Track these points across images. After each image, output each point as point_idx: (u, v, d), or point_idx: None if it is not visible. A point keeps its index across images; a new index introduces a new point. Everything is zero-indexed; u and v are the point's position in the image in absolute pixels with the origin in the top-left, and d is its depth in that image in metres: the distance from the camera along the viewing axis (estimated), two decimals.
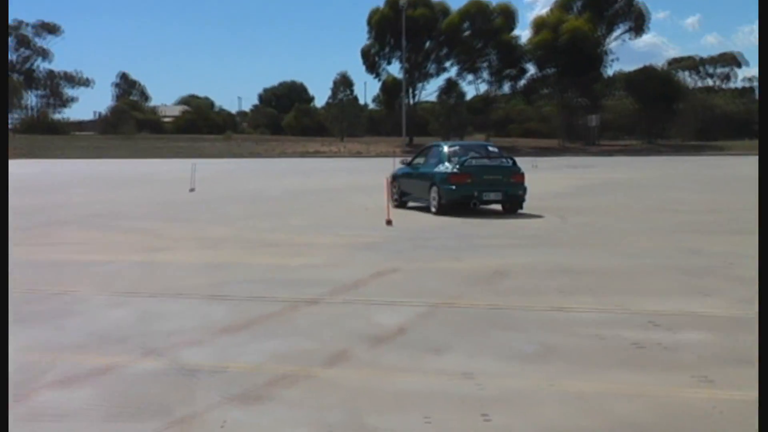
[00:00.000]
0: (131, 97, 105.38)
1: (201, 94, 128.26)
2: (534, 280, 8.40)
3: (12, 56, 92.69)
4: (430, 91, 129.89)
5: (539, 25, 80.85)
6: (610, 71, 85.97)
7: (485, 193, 16.14)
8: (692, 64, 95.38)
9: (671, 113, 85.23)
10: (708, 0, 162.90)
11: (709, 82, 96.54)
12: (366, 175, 34.15)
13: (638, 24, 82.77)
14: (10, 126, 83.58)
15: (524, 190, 16.53)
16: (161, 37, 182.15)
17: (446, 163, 16.64)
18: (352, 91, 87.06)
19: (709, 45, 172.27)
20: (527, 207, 16.68)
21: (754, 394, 4.32)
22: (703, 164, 46.24)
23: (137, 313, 6.99)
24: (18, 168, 41.79)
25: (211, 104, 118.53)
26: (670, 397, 4.63)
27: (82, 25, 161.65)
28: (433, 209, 16.38)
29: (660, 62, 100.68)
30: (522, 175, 16.56)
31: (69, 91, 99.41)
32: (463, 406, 4.49)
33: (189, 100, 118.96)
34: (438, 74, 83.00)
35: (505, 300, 7.38)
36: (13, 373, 5.00)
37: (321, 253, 10.68)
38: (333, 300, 7.48)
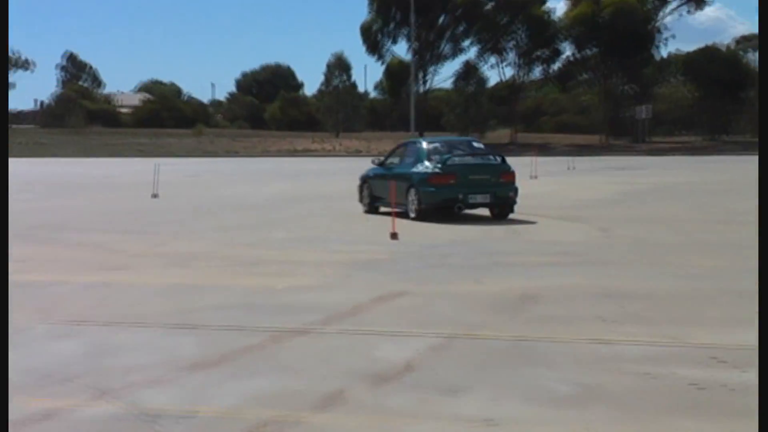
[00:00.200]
0: (80, 83, 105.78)
1: (166, 79, 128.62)
2: (570, 306, 8.40)
3: None
4: (444, 76, 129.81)
5: None
6: (663, 52, 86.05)
7: (471, 195, 16.79)
8: None
9: (739, 103, 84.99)
10: None
11: None
12: None
13: None
14: None
15: (515, 191, 17.23)
16: (117, 10, 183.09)
17: (426, 162, 17.30)
18: (349, 76, 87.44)
19: None
20: (562, 216, 16.67)
21: None
22: None
23: (88, 346, 6.99)
24: None
25: (178, 92, 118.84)
26: None
27: None
28: (412, 214, 17.02)
29: (725, 41, 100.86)
30: (512, 174, 17.23)
31: None
32: None
33: (151, 87, 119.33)
34: (454, 56, 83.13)
35: (535, 330, 7.38)
36: None
37: (312, 272, 10.68)
38: (326, 330, 7.49)
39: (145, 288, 9.74)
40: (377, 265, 11.22)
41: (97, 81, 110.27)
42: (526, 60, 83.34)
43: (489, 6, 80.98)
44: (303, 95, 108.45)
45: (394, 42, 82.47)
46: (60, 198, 25.02)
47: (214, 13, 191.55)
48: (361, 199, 19.36)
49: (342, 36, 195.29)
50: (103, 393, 5.68)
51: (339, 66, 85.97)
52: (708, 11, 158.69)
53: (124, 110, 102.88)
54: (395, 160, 18.93)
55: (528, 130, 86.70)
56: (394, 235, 14.03)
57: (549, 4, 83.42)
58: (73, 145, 73.16)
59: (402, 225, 14.92)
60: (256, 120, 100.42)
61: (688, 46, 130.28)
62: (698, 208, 20.23)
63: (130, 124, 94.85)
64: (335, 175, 37.85)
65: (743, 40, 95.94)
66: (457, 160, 17.15)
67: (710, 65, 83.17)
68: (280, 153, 67.99)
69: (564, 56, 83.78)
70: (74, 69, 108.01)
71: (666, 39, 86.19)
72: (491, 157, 17.84)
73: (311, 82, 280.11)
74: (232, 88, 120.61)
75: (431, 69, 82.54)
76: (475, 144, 18.97)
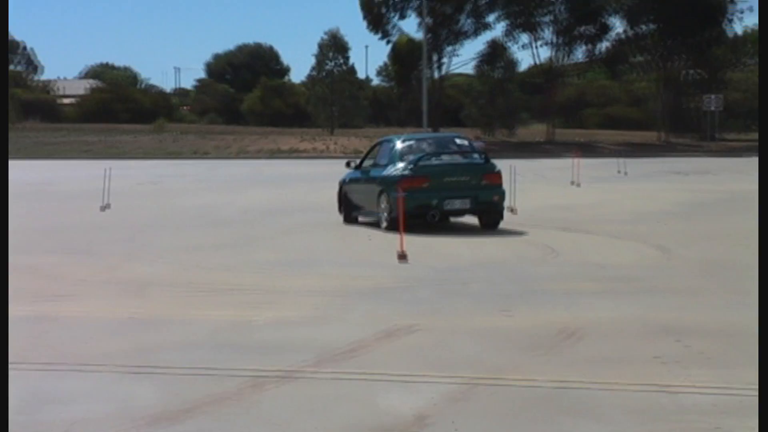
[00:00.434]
0: (13, 67, 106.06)
1: (118, 62, 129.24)
2: (622, 344, 8.39)
3: None
4: (464, 59, 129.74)
5: None
6: (738, 28, 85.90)
7: (448, 200, 17.48)
8: None
9: None
10: None
11: None
12: None
13: None
14: None
15: (501, 194, 17.88)
16: None
17: (398, 164, 18.09)
18: (346, 59, 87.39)
19: None
20: (610, 232, 16.63)
21: None
22: None
23: (22, 394, 6.99)
24: None
25: (134, 78, 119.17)
26: None
27: None
28: (384, 224, 17.77)
29: None
30: (497, 175, 17.90)
31: None
32: None
33: (100, 72, 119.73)
34: (476, 34, 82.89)
35: (578, 374, 7.38)
36: None
37: (301, 302, 10.68)
38: (318, 374, 7.49)
39: (92, 322, 9.73)
40: (381, 293, 11.22)
41: (33, 65, 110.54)
42: (566, 38, 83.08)
43: None
44: (289, 82, 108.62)
45: (402, 16, 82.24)
46: None
47: None
48: (339, 209, 20.17)
49: (337, 9, 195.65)
50: None
51: (333, 46, 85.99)
52: None
53: (66, 101, 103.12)
54: (370, 162, 19.75)
55: (568, 125, 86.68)
56: (402, 256, 14.03)
57: None
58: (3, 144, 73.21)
59: (412, 243, 14.91)
60: (231, 113, 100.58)
61: None
62: None
63: (74, 118, 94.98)
64: (328, 180, 37.75)
65: None
66: (432, 159, 17.92)
67: None
68: (260, 154, 68.05)
69: (613, 34, 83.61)
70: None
71: (741, 12, 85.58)
72: (474, 155, 18.54)
73: (299, 67, 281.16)
74: (201, 74, 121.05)
75: (448, 50, 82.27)
76: (459, 141, 19.70)
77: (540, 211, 21.78)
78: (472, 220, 18.67)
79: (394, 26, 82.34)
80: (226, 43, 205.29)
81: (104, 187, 25.44)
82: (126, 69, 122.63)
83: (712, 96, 79.37)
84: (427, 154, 18.09)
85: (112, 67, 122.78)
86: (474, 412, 6.45)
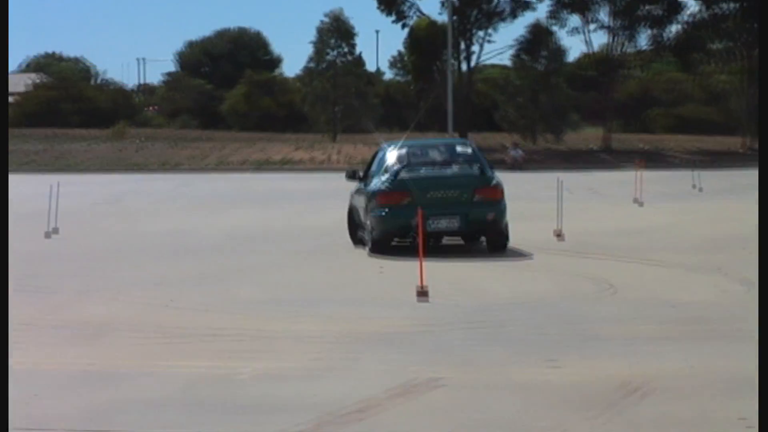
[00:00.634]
0: None
1: (68, 53, 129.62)
2: (698, 403, 8.40)
3: None
4: (499, 46, 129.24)
5: None
6: None
7: (432, 219, 17.73)
8: None
9: None
10: None
11: None
12: None
13: None
14: None
15: (500, 212, 18.16)
16: None
17: (382, 176, 18.81)
18: (352, 47, 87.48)
19: None
20: (682, 263, 16.60)
21: None
22: None
23: None
24: None
25: (88, 72, 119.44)
26: None
27: None
28: (369, 245, 18.67)
29: None
30: (494, 189, 18.34)
31: None
32: None
33: (45, 65, 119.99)
34: (514, 15, 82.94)
35: None
36: None
37: (296, 351, 10.69)
38: None
39: (37, 376, 9.75)
40: (397, 339, 11.22)
41: None
42: (625, 21, 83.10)
43: None
44: (281, 76, 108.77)
45: None
46: None
47: None
48: (348, 229, 20.78)
49: None
50: None
51: (336, 31, 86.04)
52: None
53: None
54: (371, 171, 20.18)
55: (629, 129, 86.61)
56: (422, 292, 13.99)
57: None
58: None
59: (434, 274, 14.86)
60: (209, 115, 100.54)
61: None
62: None
63: (12, 122, 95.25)
64: (330, 198, 37.82)
65: None
66: (418, 171, 18.51)
67: None
68: (245, 166, 68.10)
69: (685, 15, 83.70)
70: None
71: None
72: (469, 166, 18.89)
73: (294, 57, 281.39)
74: (171, 67, 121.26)
75: (479, 35, 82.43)
76: (460, 148, 20.15)
77: (594, 236, 21.71)
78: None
79: (411, 6, 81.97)
80: (202, 29, 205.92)
81: (50, 208, 25.49)
82: (77, 60, 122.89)
83: None
84: (410, 164, 18.62)
85: (60, 58, 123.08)
86: None
